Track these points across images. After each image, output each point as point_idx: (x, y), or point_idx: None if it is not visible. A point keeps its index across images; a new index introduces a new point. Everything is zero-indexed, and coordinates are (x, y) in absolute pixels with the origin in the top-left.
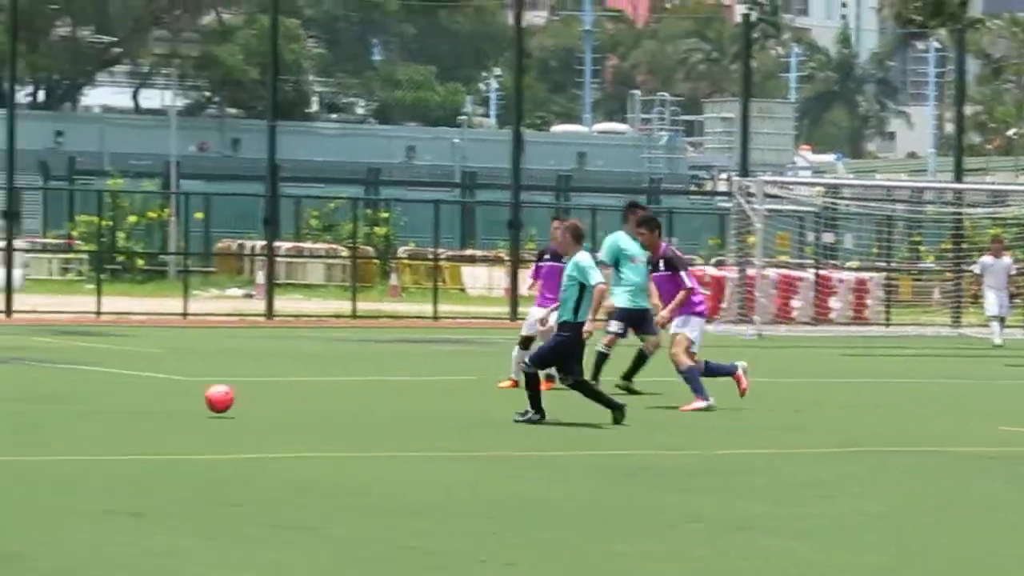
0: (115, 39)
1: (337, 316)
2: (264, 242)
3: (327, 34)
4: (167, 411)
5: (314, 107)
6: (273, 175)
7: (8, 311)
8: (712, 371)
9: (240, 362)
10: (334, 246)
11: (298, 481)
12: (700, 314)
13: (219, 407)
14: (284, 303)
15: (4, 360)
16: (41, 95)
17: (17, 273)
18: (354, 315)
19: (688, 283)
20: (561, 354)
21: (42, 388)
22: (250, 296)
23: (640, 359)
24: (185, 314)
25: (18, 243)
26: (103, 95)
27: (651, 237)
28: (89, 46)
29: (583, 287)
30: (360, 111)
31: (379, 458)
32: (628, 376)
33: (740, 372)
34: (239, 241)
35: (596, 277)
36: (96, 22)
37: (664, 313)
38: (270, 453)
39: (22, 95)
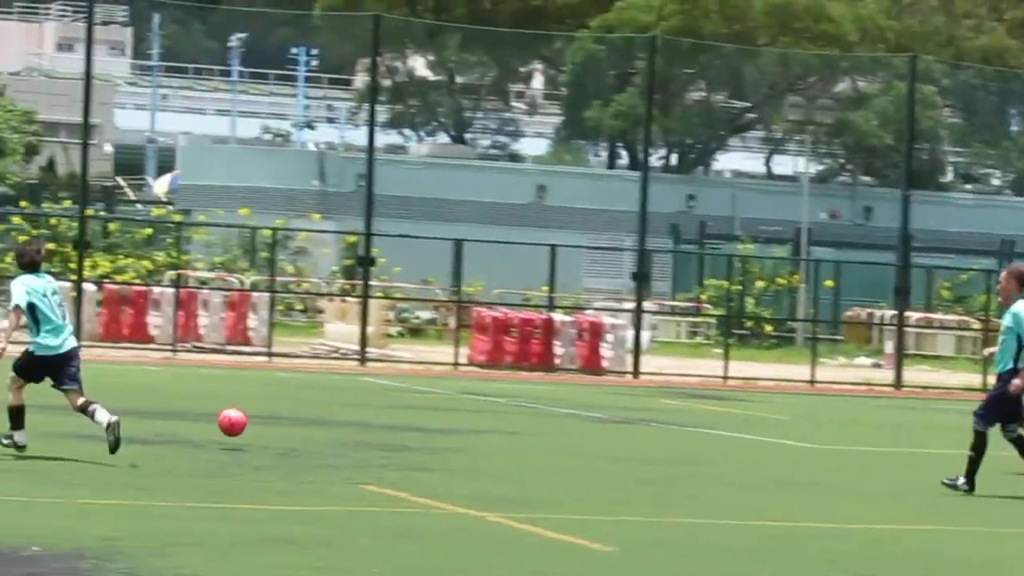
0: (749, 104)
1: (967, 389)
2: (894, 312)
3: (964, 103)
4: (792, 478)
5: (948, 176)
6: (905, 244)
7: (635, 372)
8: None
9: (867, 432)
10: (965, 318)
11: (928, 553)
12: None
13: (229, 430)
14: (913, 374)
15: (632, 421)
16: (673, 159)
17: (645, 335)
18: (984, 388)
19: None
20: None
21: (671, 451)
22: (878, 366)
23: None
24: (812, 381)
25: (647, 305)
26: (735, 160)
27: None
28: (723, 111)
29: (1020, 338)
30: (996, 182)
31: (1015, 535)
32: None
33: None
34: (868, 310)
35: None
36: (730, 87)
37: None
38: (899, 524)
39: (655, 158)
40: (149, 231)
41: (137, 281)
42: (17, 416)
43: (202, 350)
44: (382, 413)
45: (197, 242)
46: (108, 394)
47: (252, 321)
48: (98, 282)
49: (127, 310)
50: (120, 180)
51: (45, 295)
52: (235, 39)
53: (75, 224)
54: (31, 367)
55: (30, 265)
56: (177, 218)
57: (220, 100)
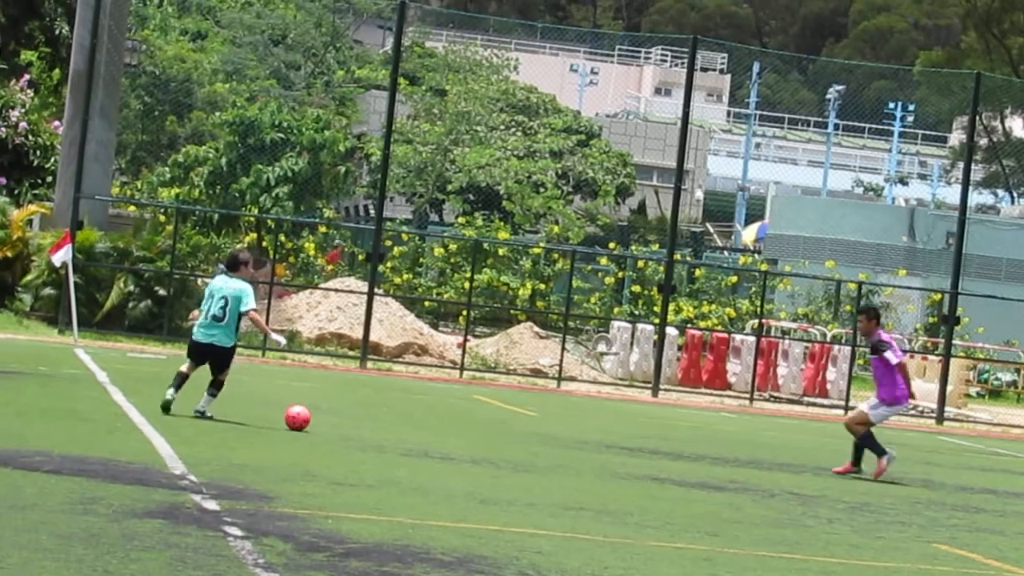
0: None
1: None
2: None
3: None
4: None
5: None
6: None
7: None
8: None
9: None
10: None
11: None
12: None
13: (294, 423)
14: None
15: None
16: None
17: None
18: None
19: (891, 358)
20: None
21: None
22: None
23: None
24: None
25: None
26: None
27: (867, 325)
28: None
29: None
30: None
31: None
32: None
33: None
34: None
35: None
36: None
37: None
38: None
39: None
40: (734, 278)
41: (719, 328)
42: (179, 382)
43: (778, 400)
44: (957, 473)
45: (781, 292)
46: (683, 437)
47: (831, 374)
48: (681, 327)
49: (708, 356)
50: (709, 226)
51: (212, 295)
52: (833, 91)
53: (662, 268)
54: (188, 348)
55: (228, 267)
56: (763, 267)
57: (813, 151)
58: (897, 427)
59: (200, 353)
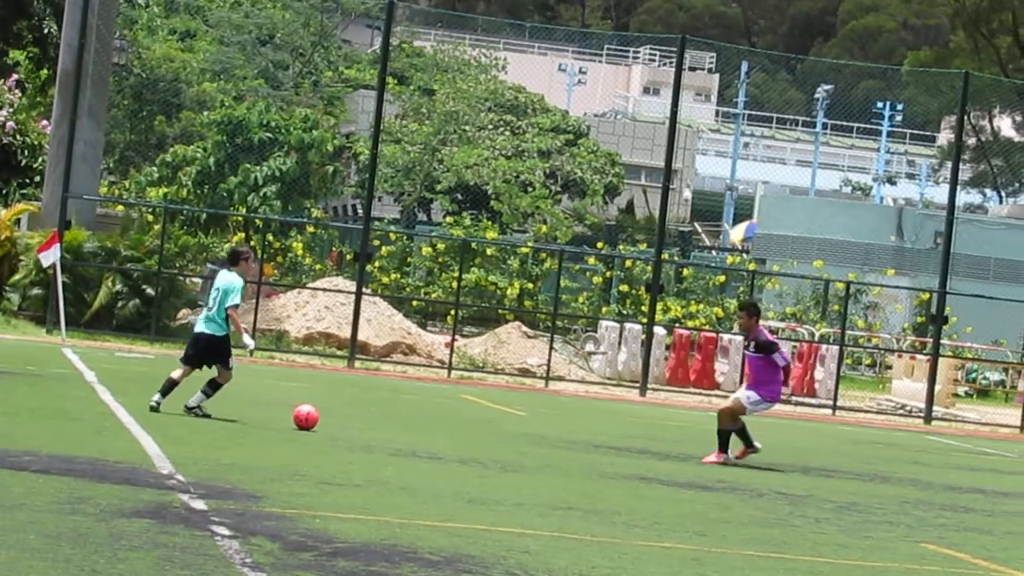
0: None
1: None
2: None
3: None
4: None
5: None
6: None
7: None
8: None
9: None
10: None
11: None
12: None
13: (305, 423)
14: None
15: None
16: None
17: None
18: None
19: (779, 361)
20: None
21: None
22: None
23: None
24: None
25: None
26: None
27: (748, 321)
28: None
29: None
30: None
31: None
32: None
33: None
34: None
35: None
36: None
37: None
38: None
39: None
40: (722, 278)
41: (707, 327)
42: (168, 387)
43: None
44: (945, 473)
45: (769, 291)
46: (671, 437)
47: (819, 373)
48: (669, 326)
49: (696, 356)
50: (697, 226)
51: (213, 287)
52: (821, 90)
53: (649, 267)
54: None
55: (229, 260)
56: (751, 266)
57: (801, 151)
58: (885, 427)
59: (195, 343)
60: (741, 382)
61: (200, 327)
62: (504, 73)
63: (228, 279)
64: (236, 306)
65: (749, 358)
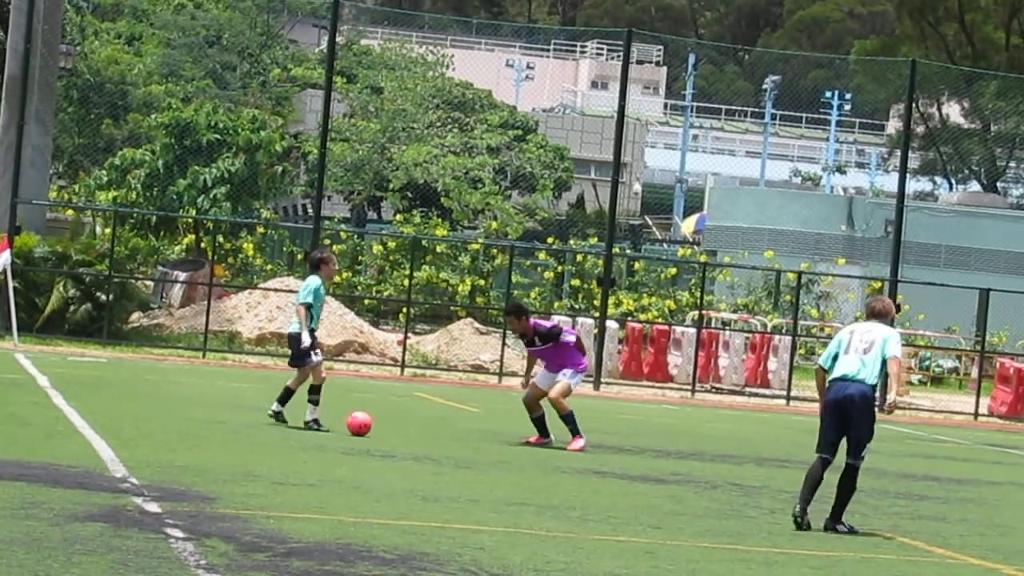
0: None
1: None
2: None
3: None
4: None
5: None
6: None
7: None
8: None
9: None
10: None
11: None
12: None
13: (356, 430)
14: None
15: None
16: None
17: None
18: None
19: (569, 338)
20: None
21: None
22: None
23: None
24: None
25: None
26: None
27: (519, 324)
28: None
29: None
30: None
31: None
32: None
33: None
34: None
35: None
36: None
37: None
38: None
39: None
40: (674, 271)
41: (659, 320)
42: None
43: (720, 391)
44: (900, 461)
45: (721, 283)
46: (625, 430)
47: (772, 364)
48: (621, 320)
49: (648, 349)
50: (647, 219)
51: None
52: (769, 81)
53: (601, 261)
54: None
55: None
56: (702, 258)
57: (750, 142)
58: None
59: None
60: (694, 374)
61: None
62: (451, 70)
63: (307, 280)
64: (306, 304)
65: (545, 351)
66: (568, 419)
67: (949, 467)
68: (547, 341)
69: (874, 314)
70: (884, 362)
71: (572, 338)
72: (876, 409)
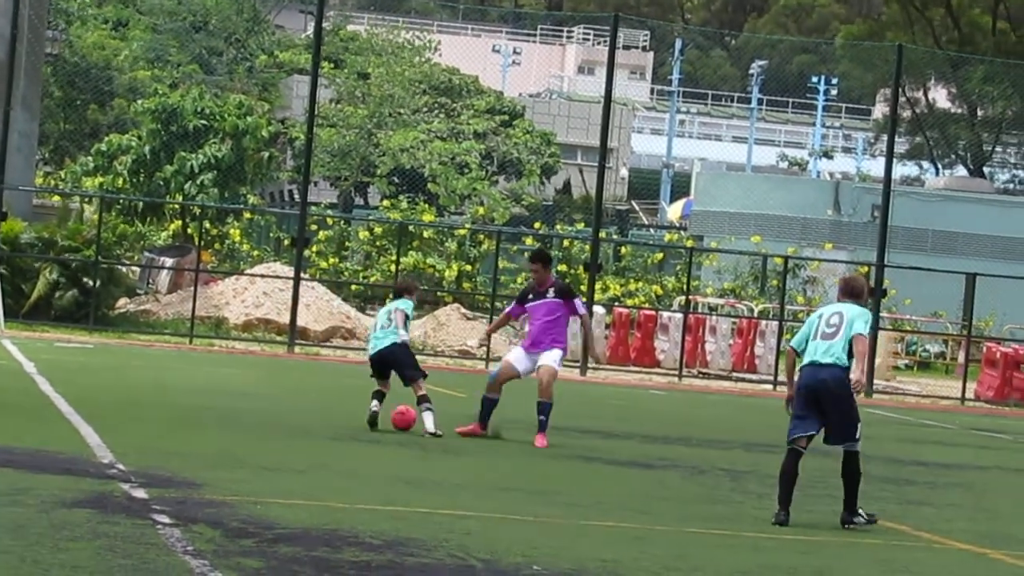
0: None
1: None
2: None
3: None
4: None
5: None
6: None
7: None
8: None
9: None
10: None
11: None
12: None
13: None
14: None
15: None
16: None
17: None
18: None
19: (581, 308)
20: None
21: None
22: None
23: None
24: None
25: None
26: None
27: (543, 272)
28: None
29: None
30: None
31: None
32: None
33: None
34: None
35: None
36: None
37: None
38: None
39: None
40: (660, 256)
41: (646, 305)
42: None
43: (707, 376)
44: (886, 445)
45: (707, 268)
46: (612, 416)
47: (759, 349)
48: (608, 305)
49: (635, 334)
50: (634, 204)
51: (389, 309)
52: (755, 66)
53: (587, 246)
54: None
55: (395, 294)
56: (689, 244)
57: (737, 127)
58: None
59: (380, 363)
60: (681, 359)
61: (381, 345)
62: (438, 55)
63: (402, 302)
64: (405, 313)
65: (545, 306)
66: (548, 411)
67: (936, 452)
68: (562, 296)
69: (846, 293)
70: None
71: (583, 309)
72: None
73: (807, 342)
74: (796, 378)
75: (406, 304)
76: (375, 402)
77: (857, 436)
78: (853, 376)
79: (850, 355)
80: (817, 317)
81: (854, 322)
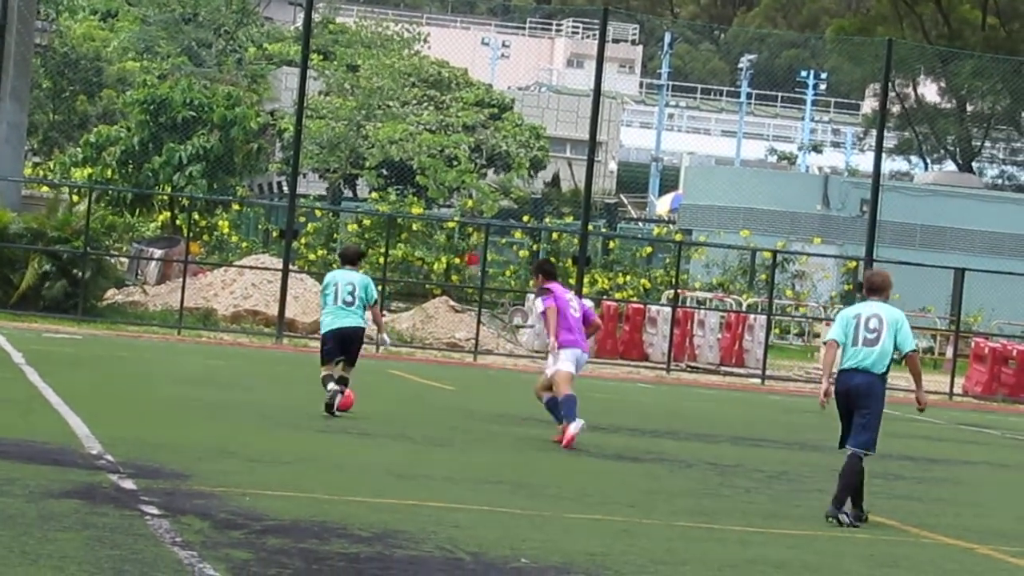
0: None
1: None
2: None
3: None
4: None
5: None
6: None
7: None
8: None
9: None
10: None
11: None
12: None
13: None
14: None
15: None
16: None
17: None
18: None
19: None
20: None
21: None
22: None
23: None
24: None
25: None
26: None
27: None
28: None
29: None
30: None
31: None
32: None
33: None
34: None
35: None
36: None
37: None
38: None
39: None
40: (649, 249)
41: (635, 299)
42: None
43: (696, 369)
44: None
45: (696, 262)
46: (600, 409)
47: (748, 343)
48: (596, 298)
49: (623, 327)
50: (623, 198)
51: (335, 284)
52: (744, 60)
53: (576, 240)
54: (325, 346)
55: (349, 261)
56: (678, 237)
57: (726, 121)
58: (814, 396)
59: (343, 339)
60: (670, 353)
61: (349, 321)
62: (427, 48)
63: (361, 277)
64: (376, 303)
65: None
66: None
67: (924, 447)
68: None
69: (872, 290)
70: (893, 349)
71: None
72: (883, 395)
73: (845, 336)
74: (835, 381)
75: (371, 282)
76: (334, 386)
77: (871, 445)
78: (921, 398)
79: (889, 364)
80: (854, 317)
81: (899, 333)
